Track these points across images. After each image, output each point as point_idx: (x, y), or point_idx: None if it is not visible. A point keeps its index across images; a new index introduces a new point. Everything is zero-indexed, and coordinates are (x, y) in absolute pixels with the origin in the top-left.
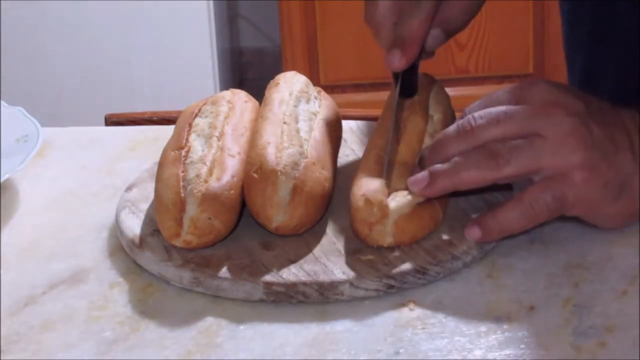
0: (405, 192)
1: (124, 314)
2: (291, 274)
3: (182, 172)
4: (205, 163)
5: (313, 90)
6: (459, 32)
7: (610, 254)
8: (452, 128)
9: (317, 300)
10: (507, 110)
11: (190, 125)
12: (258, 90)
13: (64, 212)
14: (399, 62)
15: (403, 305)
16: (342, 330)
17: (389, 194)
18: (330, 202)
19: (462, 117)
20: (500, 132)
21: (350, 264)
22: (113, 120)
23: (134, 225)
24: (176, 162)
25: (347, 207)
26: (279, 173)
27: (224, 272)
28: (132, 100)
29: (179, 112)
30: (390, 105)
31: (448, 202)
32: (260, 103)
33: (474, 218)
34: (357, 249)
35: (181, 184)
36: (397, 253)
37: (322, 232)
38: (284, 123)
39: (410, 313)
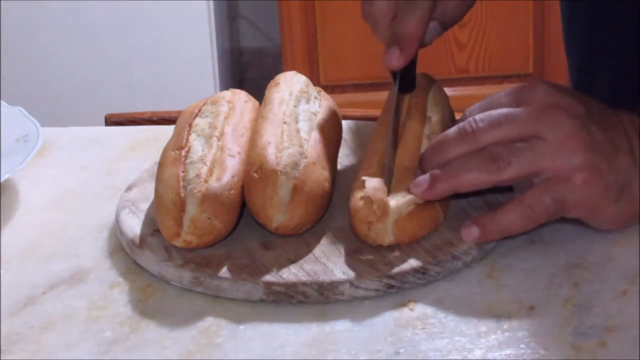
0: (405, 192)
1: (124, 314)
2: (291, 274)
3: (182, 172)
4: (205, 163)
5: (313, 90)
6: (456, 24)
7: (610, 254)
8: (452, 130)
9: (317, 300)
10: (507, 113)
11: (190, 125)
12: (258, 90)
13: (64, 212)
14: (397, 61)
15: (403, 305)
16: (342, 330)
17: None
18: (330, 202)
19: (462, 119)
20: (501, 135)
21: (350, 264)
22: (113, 120)
23: (134, 225)
24: (176, 162)
25: (347, 207)
26: (279, 173)
27: (224, 272)
28: (132, 100)
29: (179, 112)
30: (389, 107)
31: (449, 202)
32: (260, 103)
33: (471, 218)
34: (357, 249)
35: (181, 184)
36: (397, 253)
37: (322, 232)
38: (284, 123)
39: (410, 313)
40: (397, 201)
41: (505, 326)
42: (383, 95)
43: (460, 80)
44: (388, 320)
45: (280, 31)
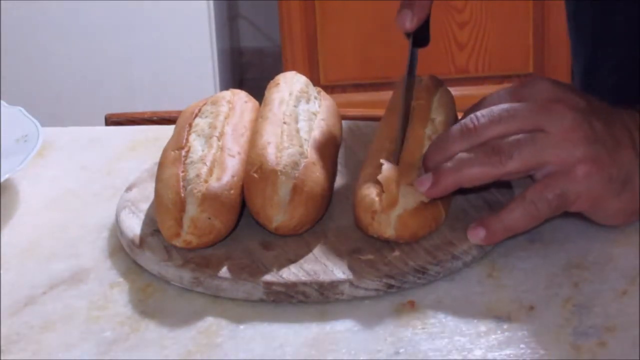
0: (412, 188)
1: (124, 314)
2: (291, 273)
3: (182, 172)
4: (205, 163)
5: (313, 90)
6: None
7: (610, 254)
8: (454, 127)
9: (317, 300)
10: (509, 108)
11: (190, 125)
12: (258, 90)
13: (64, 212)
14: (410, 23)
15: (403, 305)
16: (342, 330)
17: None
18: (330, 202)
19: (463, 117)
20: (502, 130)
21: (350, 263)
22: (113, 120)
23: (134, 225)
24: (176, 162)
25: (347, 207)
26: (279, 173)
27: (224, 272)
28: (132, 100)
29: (179, 112)
30: (394, 106)
31: (450, 201)
32: (260, 103)
33: (476, 220)
34: (357, 248)
35: (181, 184)
36: (397, 253)
37: (322, 232)
38: (284, 123)
39: (410, 313)
40: (405, 195)
41: (505, 326)
42: (383, 95)
43: (460, 80)
44: (388, 320)
45: (280, 31)
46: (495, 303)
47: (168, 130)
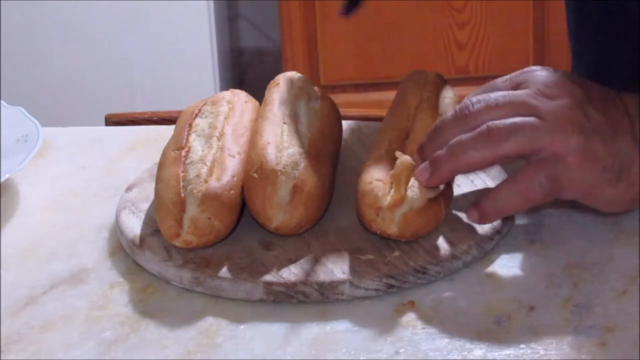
0: (419, 186)
1: (124, 314)
2: (291, 273)
3: (182, 172)
4: (205, 163)
5: (313, 91)
6: None
7: (610, 254)
8: (449, 113)
9: (317, 300)
10: (504, 94)
11: (190, 125)
12: (258, 90)
13: (64, 212)
14: None
15: (403, 305)
16: (342, 330)
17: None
18: (330, 201)
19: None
20: (498, 115)
21: (350, 263)
22: (113, 120)
23: (134, 226)
24: (176, 162)
25: (347, 207)
26: (279, 173)
27: (224, 272)
28: (132, 100)
29: (179, 112)
30: (402, 100)
31: (450, 202)
32: (260, 103)
33: (473, 202)
34: (357, 249)
35: (181, 184)
36: (397, 253)
37: (322, 232)
38: (284, 123)
39: (410, 313)
40: (412, 194)
41: (505, 326)
42: (383, 95)
43: (460, 80)
44: (388, 320)
45: (280, 31)
46: (495, 303)
47: (168, 130)
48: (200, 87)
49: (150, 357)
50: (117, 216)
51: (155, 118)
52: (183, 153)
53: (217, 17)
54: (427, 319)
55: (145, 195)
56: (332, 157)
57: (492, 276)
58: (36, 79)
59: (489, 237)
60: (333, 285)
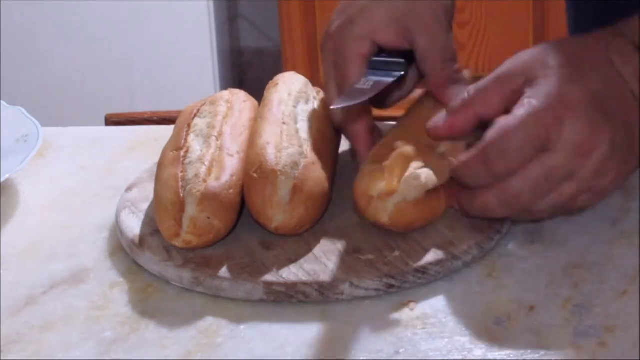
0: (417, 180)
1: (124, 314)
2: (291, 273)
3: (181, 172)
4: (203, 163)
5: (312, 91)
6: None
7: (610, 254)
8: (477, 155)
9: (317, 300)
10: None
11: (189, 125)
12: (258, 90)
13: (64, 212)
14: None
15: (403, 305)
16: (342, 330)
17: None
18: (330, 202)
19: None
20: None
21: (350, 263)
22: (113, 120)
23: (134, 226)
24: (175, 162)
25: (347, 207)
26: (279, 173)
27: (224, 272)
28: (132, 100)
29: (179, 112)
30: (415, 107)
31: (450, 197)
32: (260, 103)
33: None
34: (357, 248)
35: (180, 184)
36: (397, 253)
37: (322, 232)
38: (283, 123)
39: (410, 313)
40: (408, 186)
41: (505, 326)
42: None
43: None
44: (388, 320)
45: (280, 31)
46: (495, 303)
47: (168, 130)
48: (200, 87)
49: (150, 357)
50: (117, 216)
51: (155, 118)
52: (182, 153)
53: (217, 17)
54: (427, 319)
55: (145, 195)
56: (332, 157)
57: (492, 276)
58: (36, 79)
59: (489, 237)
60: (333, 285)
